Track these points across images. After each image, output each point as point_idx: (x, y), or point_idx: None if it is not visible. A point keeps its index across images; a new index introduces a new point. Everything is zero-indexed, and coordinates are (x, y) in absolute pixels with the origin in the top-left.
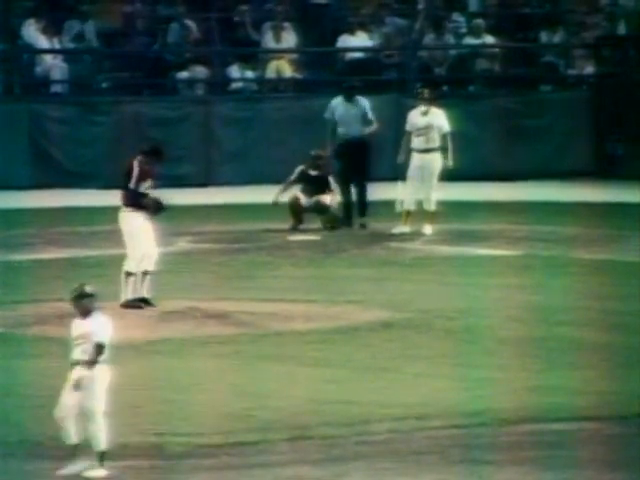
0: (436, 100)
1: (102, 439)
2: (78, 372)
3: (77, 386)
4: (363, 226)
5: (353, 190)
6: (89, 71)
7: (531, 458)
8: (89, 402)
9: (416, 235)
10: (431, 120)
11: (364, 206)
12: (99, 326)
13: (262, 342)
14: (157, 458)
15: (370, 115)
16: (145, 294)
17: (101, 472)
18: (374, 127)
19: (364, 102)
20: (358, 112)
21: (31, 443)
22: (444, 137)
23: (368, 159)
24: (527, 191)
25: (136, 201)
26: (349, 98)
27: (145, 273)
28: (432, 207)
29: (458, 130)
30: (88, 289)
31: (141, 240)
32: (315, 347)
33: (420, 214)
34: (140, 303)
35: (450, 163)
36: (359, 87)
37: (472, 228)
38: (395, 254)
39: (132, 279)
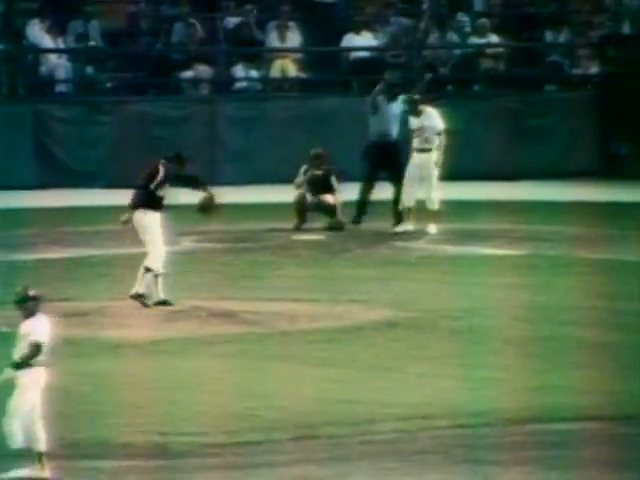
0: (430, 101)
1: (11, 438)
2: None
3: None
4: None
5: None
6: (93, 71)
7: (535, 458)
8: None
9: (420, 234)
10: (422, 121)
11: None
12: (37, 326)
13: (267, 341)
14: (161, 458)
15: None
16: (162, 296)
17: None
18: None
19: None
20: (398, 112)
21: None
22: (438, 136)
23: (401, 157)
24: (531, 191)
25: (151, 203)
26: (393, 97)
27: (156, 275)
28: (435, 206)
29: (462, 130)
30: (31, 292)
31: (160, 240)
32: (320, 347)
33: (423, 213)
34: (147, 301)
35: (439, 161)
36: (402, 85)
37: (476, 228)
38: (400, 253)
39: (149, 275)
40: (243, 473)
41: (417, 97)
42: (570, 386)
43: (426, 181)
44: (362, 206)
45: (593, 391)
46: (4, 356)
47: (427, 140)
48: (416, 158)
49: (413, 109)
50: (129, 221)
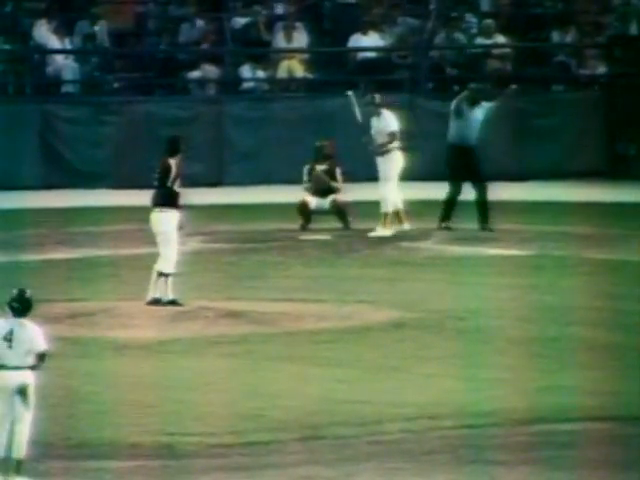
0: (388, 104)
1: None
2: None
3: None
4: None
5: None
6: (100, 71)
7: (542, 458)
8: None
9: (426, 235)
10: (380, 123)
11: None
12: (38, 332)
13: (273, 342)
14: (168, 458)
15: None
16: (171, 296)
17: None
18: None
19: (489, 107)
20: (480, 118)
21: (43, 443)
22: (391, 136)
23: (479, 160)
24: (538, 191)
25: (170, 200)
26: (475, 103)
27: (167, 275)
28: (383, 208)
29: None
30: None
31: (176, 241)
32: (326, 347)
33: (426, 214)
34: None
35: (387, 162)
36: (486, 91)
37: None
38: (406, 254)
39: (163, 279)
40: (249, 474)
41: (378, 98)
42: (576, 386)
43: (380, 182)
44: (451, 207)
45: (599, 391)
46: None
47: (382, 143)
48: (377, 161)
49: (374, 110)
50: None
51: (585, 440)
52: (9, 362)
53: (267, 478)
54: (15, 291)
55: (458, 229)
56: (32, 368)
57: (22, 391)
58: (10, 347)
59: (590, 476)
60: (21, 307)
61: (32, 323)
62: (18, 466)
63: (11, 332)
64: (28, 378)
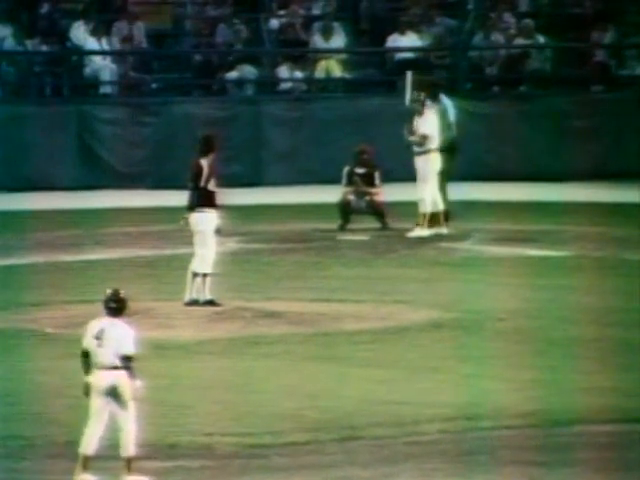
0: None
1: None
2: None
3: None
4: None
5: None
6: (138, 72)
7: (582, 460)
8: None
9: (465, 235)
10: (418, 123)
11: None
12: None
13: (312, 342)
14: (207, 458)
15: (451, 117)
16: (209, 296)
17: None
18: (452, 133)
19: (446, 102)
20: (440, 114)
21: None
22: (422, 138)
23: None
24: (577, 191)
25: (206, 201)
26: (433, 97)
27: (204, 275)
28: (422, 209)
29: (508, 130)
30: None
31: (213, 241)
32: (365, 347)
33: (464, 216)
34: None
35: (426, 162)
36: (442, 85)
37: (522, 228)
38: (445, 254)
39: (200, 279)
40: (288, 474)
41: (422, 96)
42: (616, 388)
43: (419, 182)
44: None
45: (639, 393)
46: (50, 357)
47: (416, 143)
48: (416, 161)
49: (419, 108)
50: (187, 224)
51: (625, 442)
52: (100, 361)
53: (305, 478)
54: (109, 291)
55: (495, 230)
56: (126, 370)
57: (113, 392)
58: (100, 346)
59: (630, 478)
60: (116, 307)
61: (125, 324)
62: (128, 464)
63: (102, 331)
64: (118, 379)
